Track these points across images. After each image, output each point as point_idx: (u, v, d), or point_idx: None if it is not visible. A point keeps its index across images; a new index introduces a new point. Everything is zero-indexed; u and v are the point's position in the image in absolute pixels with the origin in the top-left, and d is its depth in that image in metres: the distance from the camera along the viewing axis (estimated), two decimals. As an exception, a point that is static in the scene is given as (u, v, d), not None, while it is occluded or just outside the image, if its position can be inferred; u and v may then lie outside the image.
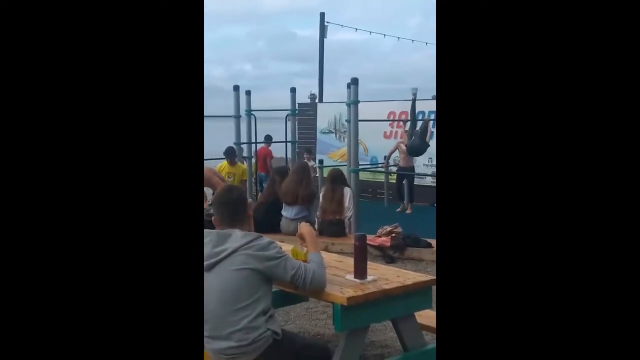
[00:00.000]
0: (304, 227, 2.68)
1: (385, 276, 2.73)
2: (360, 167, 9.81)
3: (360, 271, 2.65)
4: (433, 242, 5.78)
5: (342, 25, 12.97)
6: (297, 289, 2.51)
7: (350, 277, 2.66)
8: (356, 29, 12.79)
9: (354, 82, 7.14)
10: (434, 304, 3.95)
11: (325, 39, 12.56)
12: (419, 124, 9.10)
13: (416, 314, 2.85)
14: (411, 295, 2.68)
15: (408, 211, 9.46)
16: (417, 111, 10.62)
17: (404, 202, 9.60)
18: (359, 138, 11.45)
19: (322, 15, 12.57)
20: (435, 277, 2.80)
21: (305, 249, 2.64)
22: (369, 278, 2.65)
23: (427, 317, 3.06)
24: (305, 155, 10.16)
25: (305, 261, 2.55)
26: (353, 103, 7.17)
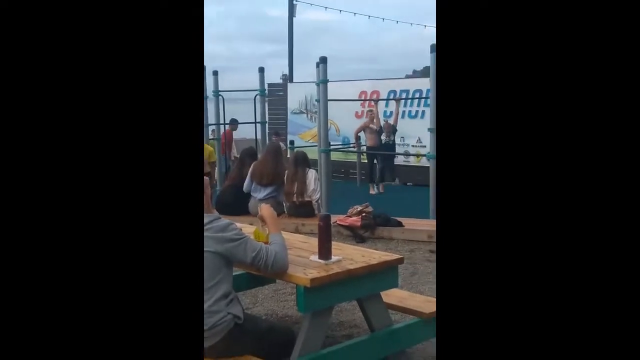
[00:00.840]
0: (265, 209, 2.61)
1: (351, 256, 2.67)
2: (331, 147, 9.78)
3: (324, 252, 2.59)
4: (404, 220, 5.76)
5: (311, 4, 12.77)
6: (259, 271, 2.44)
7: (315, 258, 2.60)
8: (326, 8, 12.59)
9: (323, 61, 7.04)
10: (402, 283, 3.97)
11: (294, 17, 12.37)
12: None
13: (383, 293, 2.81)
14: (377, 275, 2.63)
15: (381, 190, 9.44)
16: (389, 90, 10.60)
17: (376, 182, 9.55)
18: (330, 118, 11.44)
19: (291, -7, 12.38)
20: (402, 257, 2.77)
21: (267, 229, 2.57)
22: (334, 258, 2.59)
23: (395, 296, 3.02)
24: (274, 138, 10.06)
25: (267, 243, 2.48)
26: (322, 82, 7.07)
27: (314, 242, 2.80)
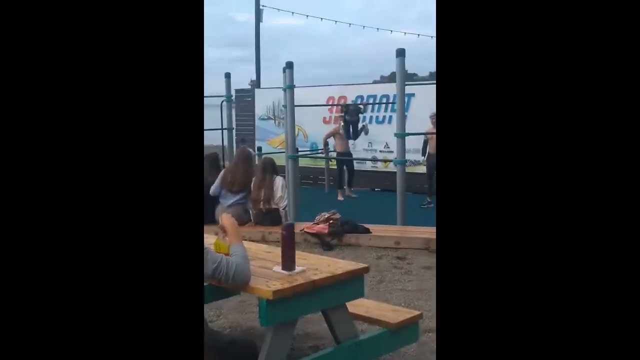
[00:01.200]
0: (225, 218, 2.53)
1: (315, 266, 2.60)
2: (299, 153, 9.71)
3: (288, 262, 2.52)
4: (371, 227, 5.72)
5: (278, 9, 12.71)
6: (220, 283, 2.35)
7: (278, 268, 2.52)
8: (293, 13, 12.55)
9: (289, 66, 6.98)
10: (369, 291, 3.88)
11: (261, 22, 12.28)
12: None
13: (350, 303, 2.75)
14: (342, 285, 2.56)
15: (353, 196, 9.41)
16: (356, 95, 10.58)
17: (345, 188, 9.50)
18: (298, 124, 11.36)
19: (258, -1, 12.29)
20: (367, 266, 2.71)
21: (228, 240, 2.48)
22: (298, 269, 2.52)
23: (361, 306, 2.96)
24: (240, 144, 9.93)
25: (228, 254, 2.39)
26: (289, 88, 7.01)
27: (278, 252, 2.72)
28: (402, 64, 6.11)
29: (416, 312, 2.94)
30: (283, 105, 8.00)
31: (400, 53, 6.05)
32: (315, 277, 2.45)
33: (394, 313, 2.90)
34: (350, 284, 2.61)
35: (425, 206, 8.46)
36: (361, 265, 2.70)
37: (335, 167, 9.80)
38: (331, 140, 9.79)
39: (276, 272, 2.50)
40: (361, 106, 9.33)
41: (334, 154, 9.84)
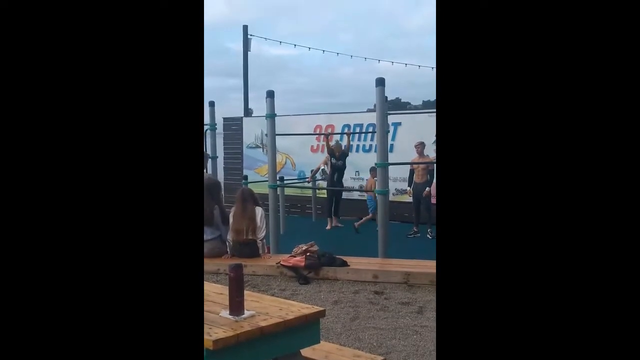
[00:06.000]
0: None
1: (266, 310, 2.43)
2: (285, 182, 9.58)
3: (235, 306, 2.35)
4: (350, 259, 5.54)
5: (265, 39, 12.73)
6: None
7: (226, 313, 2.36)
8: (280, 42, 12.54)
9: (270, 95, 6.88)
10: (341, 328, 3.69)
11: (249, 51, 12.28)
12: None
13: (309, 347, 2.57)
14: (295, 331, 2.39)
15: (340, 225, 9.26)
16: (343, 124, 10.50)
17: (332, 217, 9.34)
18: (286, 153, 11.25)
19: (245, 28, 12.29)
20: (323, 309, 2.54)
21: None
22: (246, 313, 2.35)
23: (321, 350, 2.78)
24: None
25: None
26: (269, 117, 6.90)
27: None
28: (381, 93, 6.00)
29: (379, 358, 2.76)
30: (265, 134, 7.88)
31: (380, 82, 5.95)
32: (264, 324, 2.28)
33: (354, 359, 2.72)
34: (304, 330, 2.44)
35: (412, 235, 8.30)
36: (316, 308, 2.53)
37: (323, 195, 9.64)
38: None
39: (222, 317, 2.33)
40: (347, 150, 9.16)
41: (324, 183, 9.69)
